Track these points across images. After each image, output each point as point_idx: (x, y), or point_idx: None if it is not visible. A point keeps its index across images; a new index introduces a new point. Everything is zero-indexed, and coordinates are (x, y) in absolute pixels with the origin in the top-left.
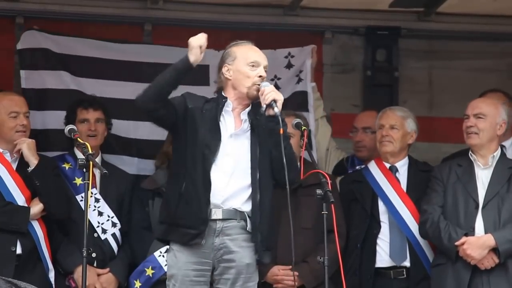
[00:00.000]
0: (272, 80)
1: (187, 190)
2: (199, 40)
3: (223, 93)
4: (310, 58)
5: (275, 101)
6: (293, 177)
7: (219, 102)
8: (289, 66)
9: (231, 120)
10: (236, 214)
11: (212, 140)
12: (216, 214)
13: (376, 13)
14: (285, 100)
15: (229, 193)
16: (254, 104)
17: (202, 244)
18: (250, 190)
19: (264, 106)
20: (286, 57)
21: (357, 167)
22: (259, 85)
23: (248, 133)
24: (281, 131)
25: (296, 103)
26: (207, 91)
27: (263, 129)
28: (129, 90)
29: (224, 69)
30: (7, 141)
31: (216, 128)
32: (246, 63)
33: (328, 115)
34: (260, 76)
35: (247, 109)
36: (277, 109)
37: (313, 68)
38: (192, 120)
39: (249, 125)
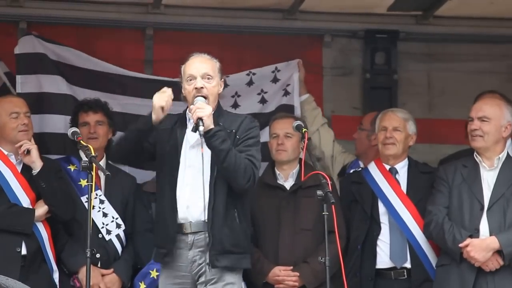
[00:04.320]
0: (259, 94)
1: (157, 211)
2: (160, 101)
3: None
4: (297, 72)
5: (200, 119)
6: (239, 185)
7: (182, 117)
8: (275, 80)
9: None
10: (204, 225)
11: (172, 157)
12: (186, 228)
13: (375, 16)
14: (271, 113)
15: (192, 205)
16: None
17: (175, 260)
18: (207, 198)
19: (194, 125)
20: (273, 71)
21: (351, 170)
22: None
23: None
24: (202, 150)
25: None
26: None
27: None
28: (121, 103)
29: (182, 87)
30: (12, 142)
31: (175, 143)
32: (186, 79)
33: (328, 118)
34: (196, 88)
35: None
36: (199, 130)
37: (302, 80)
38: (160, 144)
39: None
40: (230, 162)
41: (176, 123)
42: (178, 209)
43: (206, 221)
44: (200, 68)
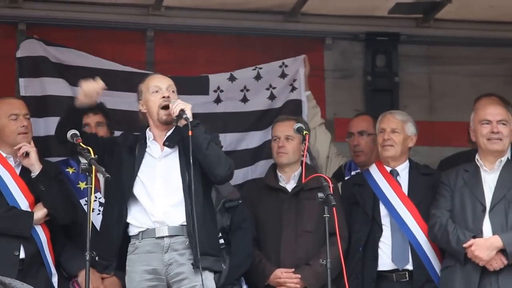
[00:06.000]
0: (268, 89)
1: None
2: (87, 86)
3: (148, 129)
4: (303, 67)
5: (182, 110)
6: (221, 173)
7: (141, 137)
8: (283, 75)
9: (156, 147)
10: (182, 230)
11: (130, 173)
12: (162, 231)
13: (376, 19)
14: (279, 108)
15: (166, 211)
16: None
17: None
18: (183, 203)
19: (175, 118)
20: (280, 66)
21: (353, 172)
22: (163, 107)
23: (176, 152)
24: (190, 133)
25: (290, 111)
26: (207, 100)
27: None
28: (126, 101)
29: (139, 106)
30: (11, 145)
31: (132, 161)
32: (151, 92)
33: (330, 120)
34: (164, 97)
35: (168, 133)
36: (186, 116)
37: (306, 76)
38: (118, 156)
39: (176, 145)
40: (213, 149)
41: (136, 142)
42: (154, 214)
43: (186, 224)
44: (165, 81)
